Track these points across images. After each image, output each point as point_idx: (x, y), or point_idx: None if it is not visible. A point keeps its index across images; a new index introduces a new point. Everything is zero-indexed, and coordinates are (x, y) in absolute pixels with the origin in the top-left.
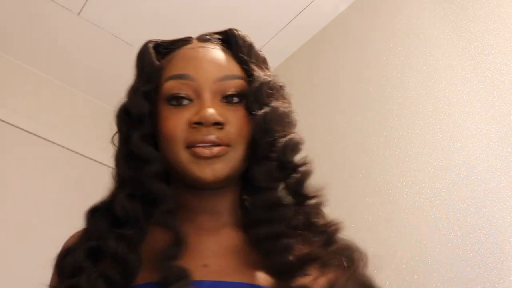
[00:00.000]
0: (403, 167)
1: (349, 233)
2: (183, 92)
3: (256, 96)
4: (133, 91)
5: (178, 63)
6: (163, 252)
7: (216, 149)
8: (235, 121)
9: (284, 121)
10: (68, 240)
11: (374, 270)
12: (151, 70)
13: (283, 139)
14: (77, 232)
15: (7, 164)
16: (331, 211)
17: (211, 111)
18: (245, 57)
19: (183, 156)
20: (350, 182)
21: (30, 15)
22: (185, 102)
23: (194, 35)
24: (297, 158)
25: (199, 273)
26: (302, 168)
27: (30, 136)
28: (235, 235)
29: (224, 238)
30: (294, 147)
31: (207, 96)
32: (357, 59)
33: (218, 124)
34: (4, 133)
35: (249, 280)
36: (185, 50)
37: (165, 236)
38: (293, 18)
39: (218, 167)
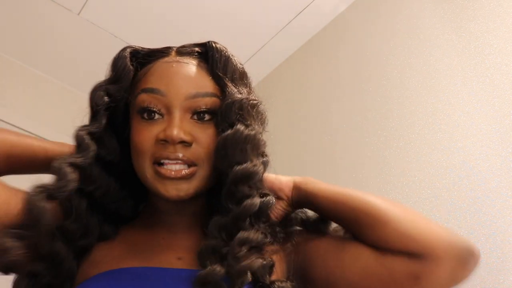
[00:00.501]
0: (403, 167)
1: None
2: (153, 106)
3: (224, 115)
4: (96, 86)
5: (151, 77)
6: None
7: (182, 172)
8: (203, 139)
9: (245, 146)
10: None
11: None
12: (122, 72)
13: (237, 168)
14: None
15: None
16: None
17: (176, 131)
18: (220, 73)
19: (149, 172)
20: (350, 182)
21: (30, 15)
22: (156, 116)
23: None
24: (246, 189)
25: (175, 265)
26: (247, 201)
27: None
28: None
29: (195, 235)
30: (244, 179)
31: (176, 113)
32: (357, 59)
33: (184, 143)
34: None
35: None
36: (161, 63)
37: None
38: (293, 18)
39: (183, 187)
